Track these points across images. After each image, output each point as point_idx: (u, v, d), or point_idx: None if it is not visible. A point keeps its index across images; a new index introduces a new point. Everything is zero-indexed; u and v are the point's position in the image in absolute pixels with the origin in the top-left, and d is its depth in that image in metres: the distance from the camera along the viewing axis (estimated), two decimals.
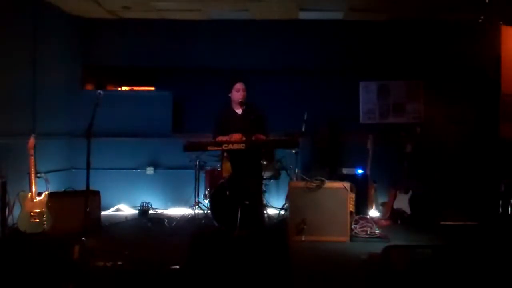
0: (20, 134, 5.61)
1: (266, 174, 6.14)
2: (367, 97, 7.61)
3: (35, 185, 5.13)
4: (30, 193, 5.08)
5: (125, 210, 7.13)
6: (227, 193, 5.47)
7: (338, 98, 7.45)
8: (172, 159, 7.23)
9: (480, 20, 6.71)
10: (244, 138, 5.13)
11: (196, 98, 7.50)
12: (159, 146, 7.36)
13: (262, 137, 5.28)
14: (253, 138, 5.17)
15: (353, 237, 5.46)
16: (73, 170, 7.12)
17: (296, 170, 6.56)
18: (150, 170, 7.35)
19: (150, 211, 6.84)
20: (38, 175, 5.33)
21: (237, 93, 5.39)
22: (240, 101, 5.38)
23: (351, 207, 5.60)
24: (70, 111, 7.12)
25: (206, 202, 6.44)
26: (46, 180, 5.50)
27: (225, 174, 5.90)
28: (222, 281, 3.42)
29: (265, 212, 6.03)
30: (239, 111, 5.47)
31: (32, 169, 5.15)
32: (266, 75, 7.37)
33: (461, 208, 6.63)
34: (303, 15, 7.30)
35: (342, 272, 4.35)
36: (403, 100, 7.59)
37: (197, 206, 6.46)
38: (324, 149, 7.41)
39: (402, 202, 6.50)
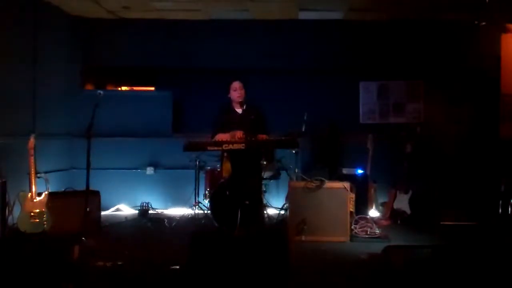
0: (20, 134, 5.61)
1: (266, 174, 6.14)
2: (367, 97, 7.62)
3: (35, 185, 5.13)
4: (30, 193, 5.08)
5: (125, 210, 7.13)
6: (227, 193, 5.47)
7: (338, 98, 7.45)
8: (172, 159, 7.22)
9: (479, 23, 6.70)
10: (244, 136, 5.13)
11: (196, 98, 7.50)
12: (159, 146, 7.36)
13: (264, 136, 5.28)
14: (255, 137, 5.16)
15: (353, 237, 5.46)
16: (73, 170, 7.12)
17: (296, 170, 6.55)
18: (150, 170, 7.35)
19: (150, 211, 6.83)
20: (38, 175, 5.33)
21: (235, 92, 5.39)
22: (240, 101, 5.38)
23: (351, 207, 5.60)
24: (70, 111, 7.12)
25: (206, 202, 6.44)
26: (46, 180, 5.49)
27: (225, 174, 5.89)
28: (222, 281, 3.42)
29: (265, 212, 6.02)
30: (239, 110, 5.47)
31: (32, 169, 5.15)
32: (266, 75, 7.37)
33: (461, 208, 6.62)
34: (303, 15, 7.30)
35: (342, 272, 4.34)
36: (403, 100, 7.59)
37: (197, 206, 6.46)
38: (324, 149, 7.41)
39: (402, 202, 6.50)
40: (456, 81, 7.29)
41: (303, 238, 5.31)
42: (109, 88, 8.24)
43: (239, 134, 5.13)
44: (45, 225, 5.08)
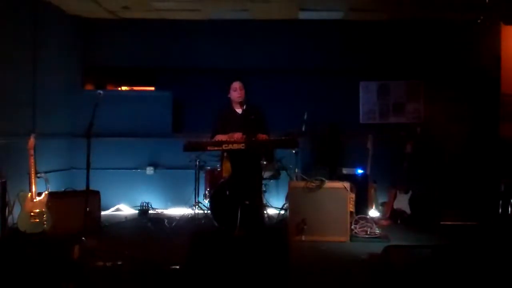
0: (20, 134, 5.61)
1: (266, 174, 6.14)
2: (367, 97, 7.62)
3: (35, 185, 5.13)
4: (30, 193, 5.08)
5: (125, 210, 7.13)
6: (227, 193, 5.47)
7: (338, 98, 7.45)
8: (172, 159, 7.22)
9: (479, 21, 6.70)
10: (244, 137, 5.12)
11: (196, 98, 7.50)
12: (159, 146, 7.36)
13: (264, 136, 5.27)
14: (255, 137, 5.16)
15: (353, 237, 5.46)
16: (73, 170, 7.12)
17: (296, 170, 6.56)
18: (150, 170, 7.35)
19: (150, 211, 6.84)
20: (38, 175, 5.33)
21: (235, 92, 5.38)
22: (240, 101, 5.37)
23: (351, 207, 5.60)
24: (70, 111, 7.12)
25: (206, 202, 6.44)
26: (46, 180, 5.49)
27: (225, 174, 5.90)
28: (222, 281, 3.42)
29: (265, 212, 6.03)
30: (239, 110, 5.46)
31: (32, 169, 5.15)
32: (266, 75, 7.38)
33: (461, 208, 6.62)
34: (303, 15, 7.30)
35: (342, 272, 4.34)
36: (403, 100, 7.59)
37: (197, 206, 6.46)
38: (324, 149, 7.41)
39: (402, 202, 6.51)
40: (456, 81, 7.29)
41: (303, 238, 5.31)
42: (109, 88, 8.24)
43: (238, 136, 5.13)
44: (45, 225, 5.08)
